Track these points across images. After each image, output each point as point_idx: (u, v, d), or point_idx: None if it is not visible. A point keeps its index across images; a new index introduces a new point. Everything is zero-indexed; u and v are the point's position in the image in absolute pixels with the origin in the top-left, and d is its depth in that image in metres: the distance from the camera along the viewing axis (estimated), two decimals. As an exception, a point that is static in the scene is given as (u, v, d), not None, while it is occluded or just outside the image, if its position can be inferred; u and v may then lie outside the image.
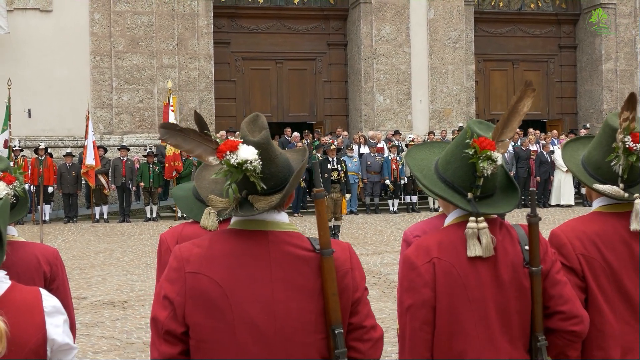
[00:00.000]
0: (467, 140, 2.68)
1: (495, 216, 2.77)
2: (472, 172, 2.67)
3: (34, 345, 2.30)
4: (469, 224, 2.65)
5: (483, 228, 2.63)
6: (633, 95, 2.93)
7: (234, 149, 2.37)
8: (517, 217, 14.02)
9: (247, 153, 2.36)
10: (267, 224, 2.48)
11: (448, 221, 2.82)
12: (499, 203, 2.75)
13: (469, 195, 2.69)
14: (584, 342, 2.90)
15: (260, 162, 2.37)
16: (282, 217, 2.51)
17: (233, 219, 2.54)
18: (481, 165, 2.63)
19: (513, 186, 2.82)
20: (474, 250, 2.63)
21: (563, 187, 22.87)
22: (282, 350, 2.39)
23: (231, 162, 2.36)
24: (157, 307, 2.47)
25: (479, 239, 2.64)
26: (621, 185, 2.94)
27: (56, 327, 2.36)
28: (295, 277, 2.42)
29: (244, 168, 2.36)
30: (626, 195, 2.93)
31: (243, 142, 2.40)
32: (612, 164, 2.93)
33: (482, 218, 2.65)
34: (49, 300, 2.40)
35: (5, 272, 2.43)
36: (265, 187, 2.40)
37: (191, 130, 2.52)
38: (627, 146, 2.88)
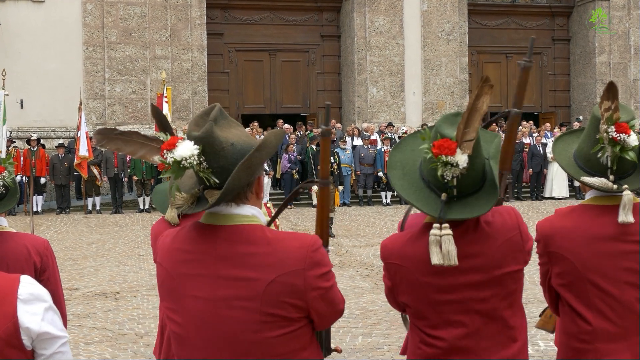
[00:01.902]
0: (425, 146, 2.54)
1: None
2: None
3: (4, 334, 2.22)
4: (432, 231, 2.52)
5: (446, 235, 2.51)
6: (612, 84, 2.85)
7: (171, 146, 2.33)
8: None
9: (184, 150, 2.31)
10: (221, 218, 2.42)
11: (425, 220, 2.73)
12: (480, 202, 2.59)
13: (443, 196, 2.56)
14: (560, 336, 2.90)
15: (204, 157, 2.32)
16: (242, 210, 2.43)
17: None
18: (439, 172, 2.50)
19: (494, 184, 2.63)
20: (435, 258, 2.51)
21: (556, 180, 22.91)
22: (228, 348, 2.36)
23: (168, 160, 2.33)
24: None
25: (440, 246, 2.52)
26: (611, 177, 2.86)
27: (32, 315, 2.26)
28: (240, 276, 2.35)
29: (182, 165, 2.32)
30: (615, 187, 2.84)
31: (185, 138, 2.36)
32: (599, 155, 2.86)
33: (446, 225, 2.52)
34: (27, 288, 2.30)
35: None
36: (217, 180, 2.35)
37: (133, 132, 2.52)
38: (611, 137, 2.80)
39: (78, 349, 7.40)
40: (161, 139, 2.41)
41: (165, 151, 2.34)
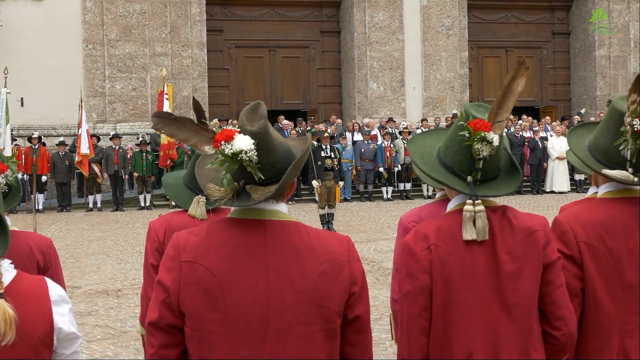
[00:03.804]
0: (462, 123, 2.65)
1: (497, 204, 2.73)
2: (470, 155, 2.65)
3: (42, 335, 2.28)
4: (466, 207, 2.62)
5: (480, 211, 2.62)
6: None
7: (229, 138, 2.33)
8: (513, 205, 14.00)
9: (243, 143, 2.32)
10: (265, 213, 2.43)
11: (450, 207, 2.79)
12: (501, 185, 2.73)
13: (469, 178, 2.66)
14: (582, 329, 2.88)
15: (257, 152, 2.33)
16: (281, 207, 2.46)
17: (232, 208, 2.50)
18: (476, 147, 2.60)
19: (515, 168, 2.79)
20: (469, 233, 2.61)
21: (556, 174, 22.90)
22: (277, 342, 2.34)
23: (226, 152, 2.32)
24: (152, 296, 2.46)
25: (474, 222, 2.61)
26: (630, 169, 2.87)
27: (62, 316, 2.34)
28: (292, 268, 2.37)
29: (239, 158, 2.32)
30: (636, 179, 2.86)
31: (240, 132, 2.36)
32: (621, 148, 2.87)
33: (479, 201, 2.63)
34: (54, 289, 2.37)
35: (10, 261, 2.38)
36: (263, 177, 2.36)
37: (187, 119, 2.50)
38: (635, 129, 2.82)
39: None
40: (214, 129, 2.41)
41: (223, 142, 2.34)
